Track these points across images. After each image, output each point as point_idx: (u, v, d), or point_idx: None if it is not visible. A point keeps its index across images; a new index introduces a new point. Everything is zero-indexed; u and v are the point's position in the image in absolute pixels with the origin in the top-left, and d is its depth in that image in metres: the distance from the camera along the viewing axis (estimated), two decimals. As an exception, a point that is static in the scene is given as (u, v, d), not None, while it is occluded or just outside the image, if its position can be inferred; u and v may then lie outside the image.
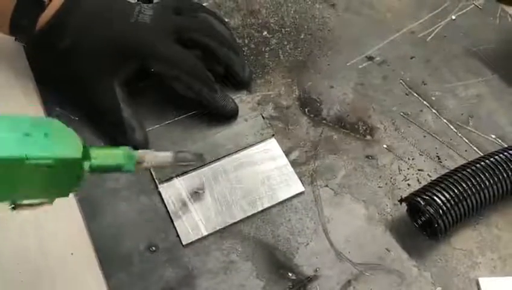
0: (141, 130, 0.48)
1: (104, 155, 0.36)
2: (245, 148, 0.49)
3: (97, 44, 0.46)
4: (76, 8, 0.46)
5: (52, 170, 0.31)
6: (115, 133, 0.48)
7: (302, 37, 0.58)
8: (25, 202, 0.31)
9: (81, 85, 0.48)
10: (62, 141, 0.32)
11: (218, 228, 0.44)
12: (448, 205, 0.42)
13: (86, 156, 0.34)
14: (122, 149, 0.37)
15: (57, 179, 0.32)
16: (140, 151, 0.39)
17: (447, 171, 0.46)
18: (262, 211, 0.46)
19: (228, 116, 0.51)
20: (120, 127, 0.47)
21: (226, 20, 0.57)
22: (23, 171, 0.29)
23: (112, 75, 0.47)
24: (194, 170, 0.47)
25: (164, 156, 0.41)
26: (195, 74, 0.48)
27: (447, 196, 0.42)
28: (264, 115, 0.52)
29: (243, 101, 0.52)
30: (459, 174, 0.43)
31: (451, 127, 0.52)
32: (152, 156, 0.40)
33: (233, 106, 0.51)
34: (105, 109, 0.48)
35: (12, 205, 0.31)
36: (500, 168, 0.44)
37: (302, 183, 0.47)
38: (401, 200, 0.45)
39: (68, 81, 0.48)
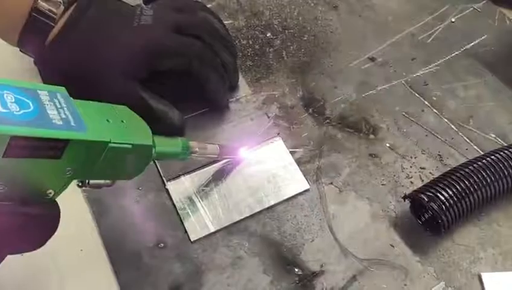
0: (173, 111, 0.48)
1: (166, 143, 0.39)
2: (251, 146, 0.50)
3: (104, 56, 0.46)
4: (80, 22, 0.46)
5: (127, 154, 0.33)
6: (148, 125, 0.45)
7: (305, 38, 0.59)
8: (92, 181, 0.32)
9: (99, 94, 0.42)
10: (136, 128, 0.34)
11: (225, 225, 0.45)
12: (451, 201, 0.43)
13: (153, 143, 0.36)
14: (180, 139, 0.40)
15: (128, 162, 0.34)
16: (193, 142, 0.42)
17: (449, 169, 0.47)
18: (268, 208, 0.46)
19: (215, 108, 0.52)
20: (152, 116, 0.43)
21: (230, 21, 0.58)
22: (103, 153, 0.31)
23: (125, 84, 0.46)
24: (201, 167, 0.48)
25: (212, 147, 0.44)
26: (205, 58, 0.48)
27: (450, 192, 0.43)
28: (269, 114, 0.52)
29: (248, 100, 0.53)
30: (461, 172, 0.44)
31: (452, 126, 0.53)
32: (203, 147, 0.43)
33: (225, 101, 0.52)
34: (130, 106, 0.43)
35: (80, 183, 0.32)
36: (501, 165, 0.45)
37: (307, 181, 0.48)
38: (404, 197, 0.45)
39: (84, 91, 0.42)
